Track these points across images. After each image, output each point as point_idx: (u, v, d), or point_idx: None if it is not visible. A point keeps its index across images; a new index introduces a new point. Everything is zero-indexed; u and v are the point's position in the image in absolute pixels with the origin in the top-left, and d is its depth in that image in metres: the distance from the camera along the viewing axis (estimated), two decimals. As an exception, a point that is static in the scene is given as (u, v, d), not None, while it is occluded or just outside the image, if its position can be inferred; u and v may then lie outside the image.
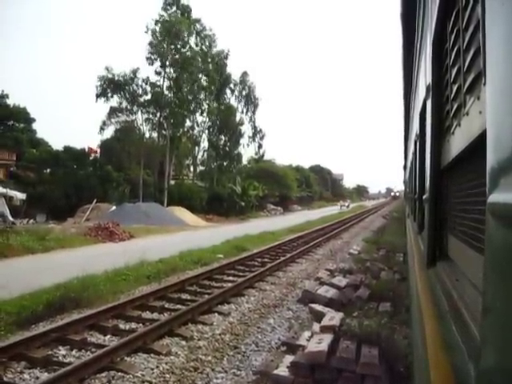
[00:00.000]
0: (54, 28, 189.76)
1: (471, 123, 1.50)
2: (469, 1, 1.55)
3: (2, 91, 51.59)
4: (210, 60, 54.87)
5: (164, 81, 53.07)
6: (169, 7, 52.44)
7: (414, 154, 6.99)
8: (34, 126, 53.65)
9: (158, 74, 52.72)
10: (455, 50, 1.94)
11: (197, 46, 54.18)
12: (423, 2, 3.88)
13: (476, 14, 1.43)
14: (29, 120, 52.82)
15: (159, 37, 51.23)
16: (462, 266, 2.05)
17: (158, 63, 52.01)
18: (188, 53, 52.31)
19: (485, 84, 1.23)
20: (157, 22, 51.51)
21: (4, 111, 50.21)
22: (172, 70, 52.52)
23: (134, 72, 52.06)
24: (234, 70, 60.85)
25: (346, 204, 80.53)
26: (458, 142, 1.88)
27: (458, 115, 1.90)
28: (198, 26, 54.10)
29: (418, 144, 5.41)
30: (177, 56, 51.49)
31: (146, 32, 51.44)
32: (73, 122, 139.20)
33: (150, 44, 51.33)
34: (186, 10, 52.95)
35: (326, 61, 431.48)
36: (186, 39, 52.29)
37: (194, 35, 53.56)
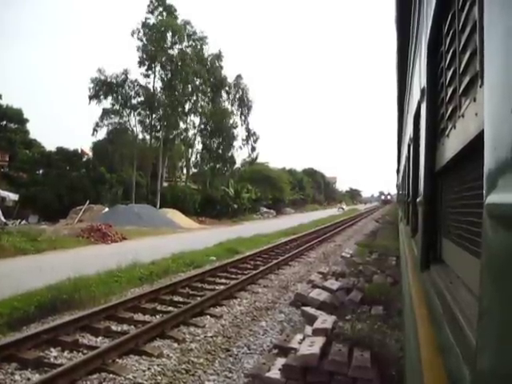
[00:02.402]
0: (48, 29, 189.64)
1: (467, 125, 1.50)
2: (465, 2, 1.55)
3: (-4, 91, 51.24)
4: (202, 61, 54.73)
5: (155, 82, 53.25)
6: (155, 9, 52.47)
7: (408, 157, 7.00)
8: (27, 126, 53.37)
9: (147, 76, 52.98)
10: (451, 52, 1.94)
11: (188, 47, 54.12)
12: (418, 4, 3.89)
13: (473, 16, 1.42)
14: (22, 120, 52.50)
15: (147, 40, 51.39)
16: (456, 268, 2.04)
17: (148, 65, 52.18)
18: (179, 54, 52.36)
19: (481, 86, 1.22)
20: (143, 24, 51.71)
21: (-3, 111, 49.97)
22: (164, 72, 52.60)
23: (126, 73, 52.21)
24: (226, 71, 60.54)
25: (343, 207, 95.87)
26: (453, 145, 1.88)
27: (453, 118, 1.90)
28: (188, 27, 54.04)
29: (411, 147, 5.41)
30: (167, 57, 51.53)
31: (132, 36, 51.80)
32: (66, 124, 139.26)
33: (139, 47, 51.66)
34: (171, 11, 52.85)
35: (320, 64, 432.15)
36: (174, 40, 52.37)
37: (185, 37, 53.47)
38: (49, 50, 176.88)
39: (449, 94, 2.04)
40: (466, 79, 1.56)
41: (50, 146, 52.68)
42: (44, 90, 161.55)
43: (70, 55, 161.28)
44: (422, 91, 3.09)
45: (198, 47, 55.02)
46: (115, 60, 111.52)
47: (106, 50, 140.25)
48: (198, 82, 54.69)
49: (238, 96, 61.00)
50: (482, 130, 1.04)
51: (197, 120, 58.45)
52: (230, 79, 60.29)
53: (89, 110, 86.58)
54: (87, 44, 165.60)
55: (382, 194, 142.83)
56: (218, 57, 57.54)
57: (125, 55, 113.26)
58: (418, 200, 3.62)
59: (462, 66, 1.61)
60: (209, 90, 56.08)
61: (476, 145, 1.28)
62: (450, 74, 2.00)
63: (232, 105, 61.19)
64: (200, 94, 55.86)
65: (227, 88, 59.97)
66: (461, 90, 1.67)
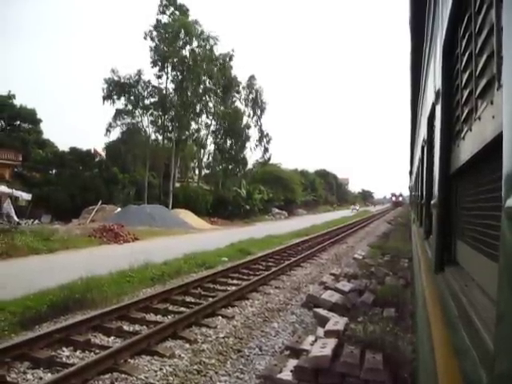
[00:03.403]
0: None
1: (484, 128, 1.49)
2: (482, 5, 1.54)
3: (9, 91, 51.66)
4: (213, 61, 54.59)
5: (167, 83, 53.28)
6: (166, 9, 52.52)
7: (422, 159, 6.97)
8: (41, 126, 53.70)
9: (159, 77, 52.97)
10: (467, 54, 1.94)
11: (199, 47, 54.00)
12: (433, 6, 3.87)
13: (490, 19, 1.42)
14: (35, 121, 52.86)
15: (159, 40, 51.47)
16: (471, 271, 2.04)
17: (161, 66, 52.26)
18: (191, 54, 52.44)
19: (499, 88, 1.22)
20: (155, 26, 51.74)
21: (11, 111, 50.31)
22: (176, 73, 52.60)
23: (139, 74, 52.33)
24: (240, 73, 60.35)
25: (357, 207, 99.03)
26: (469, 147, 1.87)
27: (469, 120, 1.89)
28: (197, 27, 53.83)
29: (425, 149, 5.39)
30: (178, 58, 51.57)
31: (145, 38, 51.84)
32: (79, 124, 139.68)
33: (152, 48, 51.79)
34: (182, 10, 52.83)
35: (333, 65, 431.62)
36: (186, 40, 52.37)
37: (195, 36, 53.37)
38: (60, 50, 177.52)
39: (464, 97, 2.03)
40: (483, 82, 1.55)
41: (62, 146, 53.07)
42: (57, 90, 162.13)
43: (83, 55, 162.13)
44: (437, 93, 3.07)
45: (208, 47, 54.86)
46: (129, 60, 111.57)
47: (119, 50, 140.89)
48: (208, 83, 54.65)
49: (251, 97, 60.89)
50: (500, 133, 1.04)
51: (209, 121, 58.57)
52: (243, 80, 60.24)
53: (102, 111, 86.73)
54: (100, 44, 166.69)
55: (393, 195, 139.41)
56: (229, 56, 57.38)
57: (138, 55, 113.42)
58: (432, 202, 3.61)
59: (479, 68, 1.61)
60: (219, 90, 55.98)
61: (494, 147, 1.27)
62: (465, 76, 1.99)
63: (246, 105, 61.12)
64: (212, 95, 55.84)
65: (237, 88, 59.78)
66: (477, 93, 1.67)
